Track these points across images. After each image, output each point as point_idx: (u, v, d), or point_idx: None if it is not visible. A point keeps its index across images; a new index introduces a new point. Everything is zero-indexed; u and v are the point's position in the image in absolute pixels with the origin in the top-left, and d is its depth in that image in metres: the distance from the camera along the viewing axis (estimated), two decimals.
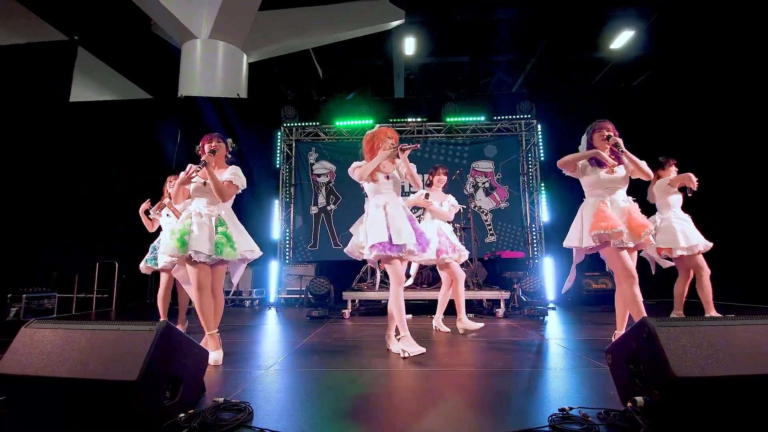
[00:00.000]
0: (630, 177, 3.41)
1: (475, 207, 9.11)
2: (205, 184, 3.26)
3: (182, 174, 3.23)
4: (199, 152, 3.39)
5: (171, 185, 4.67)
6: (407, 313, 6.08)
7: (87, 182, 8.37)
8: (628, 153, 3.25)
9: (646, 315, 3.09)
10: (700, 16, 8.48)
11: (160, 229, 4.76)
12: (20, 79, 9.77)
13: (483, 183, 9.40)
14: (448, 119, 9.31)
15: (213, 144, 3.37)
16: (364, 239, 3.39)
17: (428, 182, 4.84)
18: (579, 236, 3.33)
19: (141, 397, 1.68)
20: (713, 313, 4.32)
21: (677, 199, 4.61)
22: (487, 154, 9.48)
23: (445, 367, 2.99)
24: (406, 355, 3.23)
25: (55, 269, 7.25)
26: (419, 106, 9.70)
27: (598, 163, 3.34)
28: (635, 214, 3.26)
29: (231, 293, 8.09)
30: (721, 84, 7.77)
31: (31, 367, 1.79)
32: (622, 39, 10.89)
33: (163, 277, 4.61)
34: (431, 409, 2.09)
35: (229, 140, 3.57)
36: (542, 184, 9.07)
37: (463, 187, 8.93)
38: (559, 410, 1.85)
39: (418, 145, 3.50)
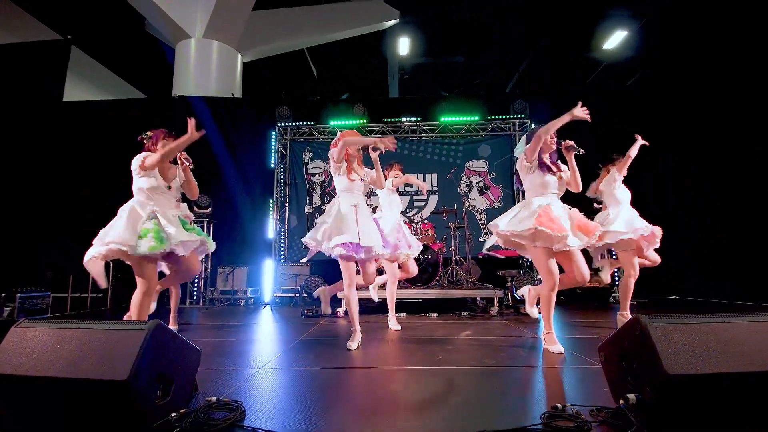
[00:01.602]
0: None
1: (469, 206, 9.10)
2: (169, 187, 3.51)
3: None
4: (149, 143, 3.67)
5: None
6: (401, 311, 6.09)
7: (81, 182, 8.31)
8: (574, 162, 3.30)
9: (551, 316, 3.32)
10: (693, 16, 8.51)
11: None
12: (13, 79, 9.69)
13: (477, 182, 9.41)
14: (442, 119, 9.31)
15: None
16: (325, 234, 3.52)
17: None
18: (506, 221, 3.36)
19: (131, 396, 1.66)
20: (627, 313, 4.31)
21: (626, 194, 4.53)
22: (481, 153, 9.49)
23: (438, 366, 2.98)
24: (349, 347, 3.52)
25: (50, 269, 7.18)
26: (413, 105, 9.68)
27: (547, 168, 3.37)
28: (580, 217, 3.33)
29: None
30: (716, 83, 7.80)
31: (22, 367, 1.76)
32: (615, 39, 10.93)
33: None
34: (424, 407, 2.08)
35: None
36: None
37: (457, 186, 8.94)
38: (552, 408, 1.84)
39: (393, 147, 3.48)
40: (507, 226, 3.32)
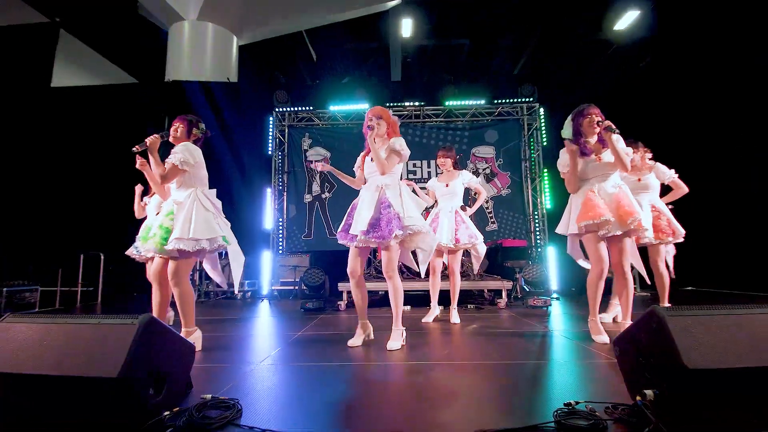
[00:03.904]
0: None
1: (475, 194, 9.05)
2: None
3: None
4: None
5: None
6: (405, 304, 6.07)
7: (71, 170, 8.28)
8: (615, 142, 3.26)
9: (597, 301, 3.42)
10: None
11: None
12: None
13: (483, 169, 9.36)
14: (446, 103, 9.26)
15: (174, 127, 3.37)
16: None
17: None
18: (566, 223, 3.57)
19: (122, 394, 1.64)
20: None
21: (644, 184, 4.56)
22: (487, 139, 9.43)
23: (444, 361, 2.96)
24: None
25: (34, 261, 7.17)
26: (417, 89, 9.63)
27: (583, 152, 3.43)
28: (624, 201, 3.33)
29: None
30: (733, 67, 7.67)
31: (6, 364, 1.74)
32: (627, 19, 10.77)
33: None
34: (430, 404, 2.05)
35: (202, 125, 3.49)
36: (545, 170, 9.03)
37: None
38: (565, 405, 1.81)
39: (367, 129, 3.47)
40: (566, 230, 3.56)
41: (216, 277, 3.60)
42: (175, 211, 3.22)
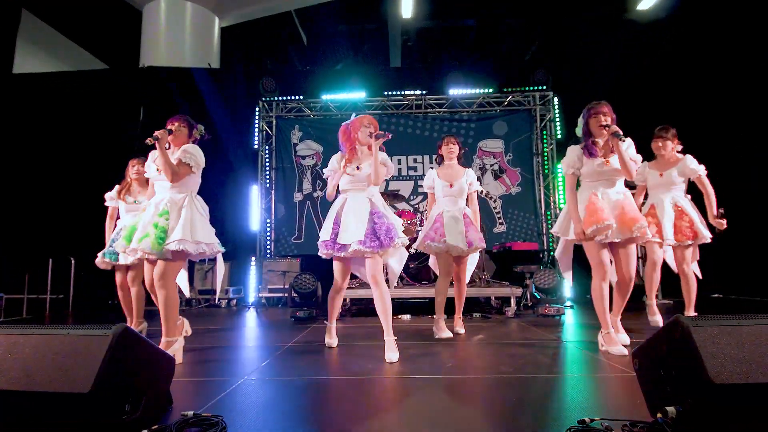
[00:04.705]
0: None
1: (482, 192, 9.07)
2: (159, 171, 3.40)
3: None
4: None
5: (134, 169, 4.70)
6: (405, 313, 6.09)
7: (37, 166, 8.28)
8: (621, 148, 3.37)
9: (606, 312, 3.49)
10: None
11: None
12: None
13: (491, 165, 9.38)
14: (450, 92, 9.25)
15: (175, 126, 3.47)
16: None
17: (438, 157, 4.76)
18: (566, 226, 3.66)
19: (95, 411, 1.65)
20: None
21: (667, 180, 4.53)
22: (496, 131, 9.44)
23: (448, 374, 2.98)
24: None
25: None
26: (418, 76, 9.62)
27: (591, 152, 3.51)
28: (628, 207, 3.45)
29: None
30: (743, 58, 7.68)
31: None
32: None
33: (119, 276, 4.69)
34: (432, 422, 2.07)
35: (201, 126, 3.67)
36: (559, 166, 9.04)
37: None
38: (578, 422, 1.83)
39: (389, 135, 3.60)
40: (565, 232, 3.66)
41: (182, 282, 3.71)
42: (171, 211, 3.32)
